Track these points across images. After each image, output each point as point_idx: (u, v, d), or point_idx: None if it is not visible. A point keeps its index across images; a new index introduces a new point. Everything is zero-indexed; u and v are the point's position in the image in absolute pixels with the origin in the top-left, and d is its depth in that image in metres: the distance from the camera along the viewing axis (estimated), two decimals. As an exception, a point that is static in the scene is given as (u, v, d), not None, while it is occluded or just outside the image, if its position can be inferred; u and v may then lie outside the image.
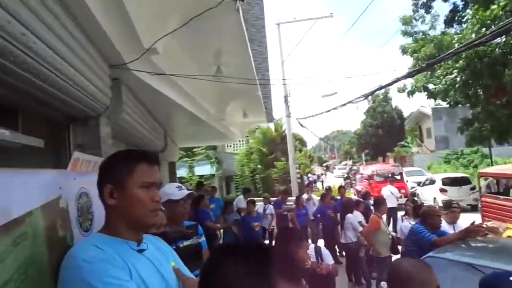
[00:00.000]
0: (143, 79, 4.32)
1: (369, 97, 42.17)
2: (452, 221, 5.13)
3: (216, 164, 20.74)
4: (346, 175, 36.45)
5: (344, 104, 10.05)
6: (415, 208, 6.06)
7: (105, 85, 3.66)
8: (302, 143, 35.71)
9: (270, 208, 10.29)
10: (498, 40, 11.36)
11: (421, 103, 36.78)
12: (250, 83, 6.99)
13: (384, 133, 41.87)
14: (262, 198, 11.01)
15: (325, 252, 4.41)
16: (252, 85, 7.36)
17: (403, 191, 16.93)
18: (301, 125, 18.50)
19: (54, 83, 2.55)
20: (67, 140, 3.56)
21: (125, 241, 1.51)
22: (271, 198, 11.32)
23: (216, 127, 8.98)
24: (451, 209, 5.19)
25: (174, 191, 2.82)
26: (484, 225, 4.90)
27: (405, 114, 44.41)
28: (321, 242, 9.82)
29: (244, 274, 0.88)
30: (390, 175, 20.24)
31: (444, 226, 5.05)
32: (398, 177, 20.41)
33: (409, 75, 7.19)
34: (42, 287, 1.53)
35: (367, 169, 24.23)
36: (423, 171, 24.42)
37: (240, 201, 10.36)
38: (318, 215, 9.56)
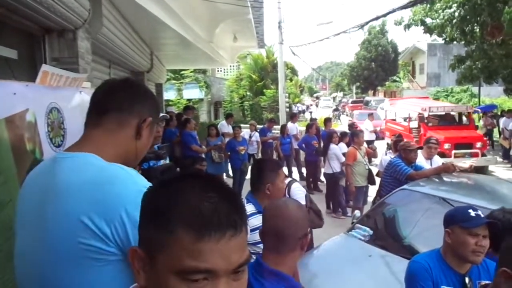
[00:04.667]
0: (124, -8, 4.08)
1: (365, 29, 41.23)
2: (429, 156, 5.25)
3: (205, 89, 20.49)
4: (335, 107, 36.56)
5: (338, 34, 9.78)
6: (395, 142, 6.18)
7: (82, -5, 3.44)
8: (294, 72, 35.18)
9: (256, 136, 10.39)
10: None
11: (418, 39, 35.99)
12: (240, 4, 6.67)
13: (377, 67, 41.36)
14: (248, 125, 11.06)
15: (296, 192, 3.97)
16: (243, 6, 7.04)
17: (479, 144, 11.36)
18: (294, 53, 18.08)
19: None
20: (43, 53, 3.42)
21: None
22: (258, 126, 11.38)
23: (204, 49, 8.71)
24: (428, 144, 5.29)
25: None
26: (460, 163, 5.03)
27: (401, 49, 43.63)
28: (304, 171, 10.14)
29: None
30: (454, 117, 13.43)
31: (422, 161, 5.18)
32: (466, 120, 13.00)
33: (405, 6, 6.92)
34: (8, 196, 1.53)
35: (396, 105, 16.33)
36: (410, 107, 24.46)
37: (223, 126, 10.41)
38: (303, 145, 9.69)
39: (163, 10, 5.60)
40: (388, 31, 42.25)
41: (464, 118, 13.18)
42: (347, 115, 32.19)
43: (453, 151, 11.01)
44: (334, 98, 52.81)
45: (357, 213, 4.43)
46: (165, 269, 0.72)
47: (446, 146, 11.14)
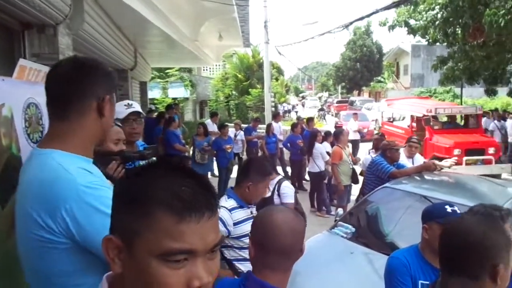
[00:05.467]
0: (106, -12, 4.03)
1: (350, 30, 41.51)
2: (410, 155, 5.33)
3: (190, 87, 20.39)
4: (320, 107, 36.78)
5: (323, 34, 9.83)
6: (377, 141, 6.26)
7: (63, -10, 3.39)
8: (280, 71, 35.22)
9: (241, 134, 10.39)
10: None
11: (402, 40, 36.43)
12: (225, 2, 6.66)
13: (362, 67, 41.76)
14: (233, 124, 11.05)
15: (286, 191, 4.10)
16: (228, 5, 7.03)
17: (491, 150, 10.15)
18: (279, 53, 18.14)
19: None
20: (23, 49, 3.36)
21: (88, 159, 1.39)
22: (243, 125, 11.38)
23: (189, 47, 8.67)
24: (409, 143, 5.37)
25: (121, 109, 2.62)
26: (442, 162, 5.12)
27: (385, 50, 44.11)
28: (289, 170, 10.17)
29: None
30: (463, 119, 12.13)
31: (404, 159, 5.25)
32: (474, 123, 11.54)
33: (388, 7, 7.01)
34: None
35: (394, 106, 14.69)
36: (394, 107, 24.72)
37: (209, 125, 10.38)
38: (288, 144, 9.73)
39: (147, 7, 5.56)
40: (373, 32, 42.76)
41: (471, 121, 11.63)
42: (332, 115, 32.42)
43: (464, 158, 9.72)
44: (320, 98, 53.15)
45: (340, 211, 4.46)
46: (145, 253, 0.73)
47: (456, 152, 9.88)
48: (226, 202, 2.62)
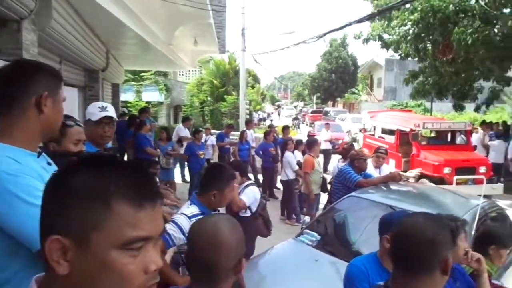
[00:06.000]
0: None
1: (327, 41, 42.13)
2: (377, 165, 5.41)
3: (165, 92, 20.18)
4: (295, 116, 37.10)
5: (298, 44, 9.93)
6: (345, 151, 6.34)
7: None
8: (256, 79, 35.45)
9: (212, 140, 10.34)
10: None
11: (377, 54, 37.24)
12: (201, 7, 6.64)
13: (337, 78, 42.44)
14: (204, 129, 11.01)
15: (247, 192, 4.26)
16: (204, 10, 7.01)
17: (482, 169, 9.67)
18: (256, 61, 18.23)
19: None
20: (-15, 43, 3.24)
21: (31, 152, 1.44)
22: (216, 131, 11.34)
23: (162, 51, 8.58)
24: (377, 153, 5.46)
25: (95, 111, 2.64)
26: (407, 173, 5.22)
27: (361, 63, 45.00)
28: (260, 177, 10.16)
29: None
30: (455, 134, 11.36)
31: (371, 169, 5.33)
32: (463, 138, 11.23)
33: (361, 20, 7.16)
34: None
35: (378, 118, 13.87)
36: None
37: (181, 130, 10.29)
38: (260, 152, 9.74)
39: (119, 7, 5.47)
40: (348, 45, 43.55)
41: (460, 137, 11.24)
42: (307, 125, 32.73)
43: (455, 177, 9.22)
44: (295, 107, 53.68)
45: (307, 218, 4.48)
46: (105, 246, 0.74)
47: (447, 170, 9.33)
48: (188, 209, 2.55)
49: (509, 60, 11.75)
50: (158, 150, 7.99)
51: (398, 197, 4.53)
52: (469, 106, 18.75)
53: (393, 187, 4.73)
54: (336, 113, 30.87)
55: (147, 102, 18.32)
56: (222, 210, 3.04)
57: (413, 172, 5.29)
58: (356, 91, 43.67)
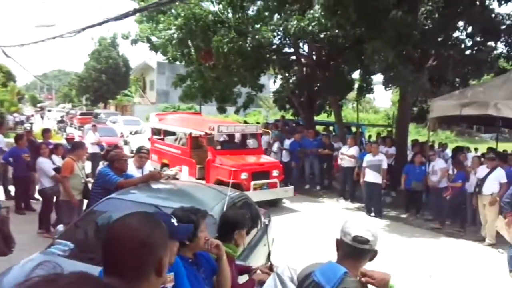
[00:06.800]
0: None
1: (95, 39, 39.98)
2: (140, 165, 5.37)
3: None
4: (60, 119, 33.81)
5: (54, 38, 8.95)
6: (107, 152, 6.09)
7: None
8: (10, 77, 30.67)
9: None
10: (212, 8, 12.64)
11: (150, 56, 37.49)
12: None
13: (107, 79, 40.56)
14: None
15: None
16: None
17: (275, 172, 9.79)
18: (7, 55, 15.62)
19: None
20: None
21: None
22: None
23: None
24: (139, 154, 5.42)
25: None
26: (166, 171, 5.36)
27: (134, 64, 44.42)
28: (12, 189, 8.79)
29: None
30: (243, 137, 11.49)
31: (133, 169, 5.24)
32: (252, 142, 11.24)
33: (118, 17, 6.98)
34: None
35: (168, 121, 13.03)
36: (140, 121, 25.07)
37: None
38: (10, 159, 8.41)
39: None
40: (119, 45, 42.30)
41: (251, 140, 11.20)
42: (75, 128, 30.26)
43: (252, 183, 9.10)
44: (64, 109, 49.04)
45: (60, 227, 4.04)
46: None
47: (244, 176, 9.09)
48: None
49: (259, 69, 13.59)
50: None
51: (160, 195, 4.58)
52: (231, 109, 20.84)
53: (154, 186, 4.76)
54: (108, 115, 29.63)
55: None
56: None
57: (173, 170, 5.46)
58: (129, 93, 42.95)
